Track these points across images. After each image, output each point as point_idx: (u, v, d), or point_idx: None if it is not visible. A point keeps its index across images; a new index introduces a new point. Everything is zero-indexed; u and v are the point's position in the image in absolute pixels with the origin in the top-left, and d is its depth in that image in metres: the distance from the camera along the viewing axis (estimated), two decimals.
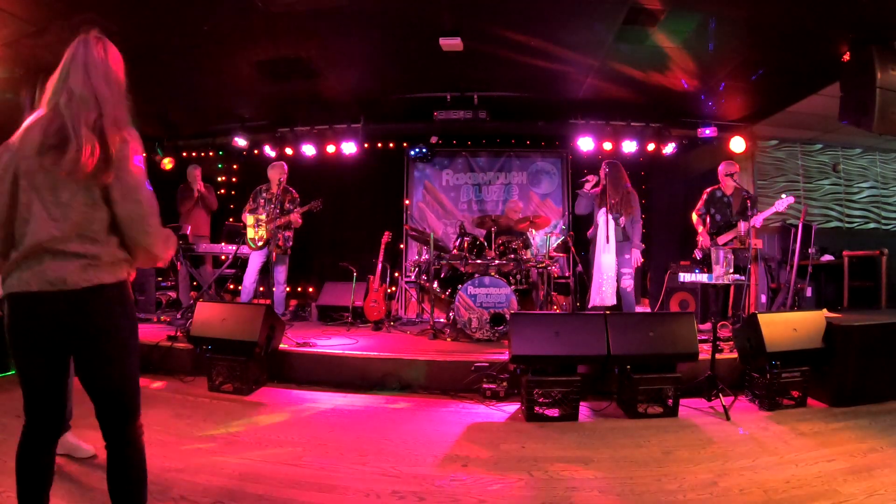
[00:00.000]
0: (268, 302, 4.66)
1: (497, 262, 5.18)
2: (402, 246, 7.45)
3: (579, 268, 5.52)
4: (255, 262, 5.32)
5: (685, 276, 3.92)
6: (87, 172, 1.39)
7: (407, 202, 7.66)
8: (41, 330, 1.43)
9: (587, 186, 4.93)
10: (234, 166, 8.00)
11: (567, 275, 6.24)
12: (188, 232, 5.73)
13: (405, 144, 7.54)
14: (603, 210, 4.74)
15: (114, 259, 1.47)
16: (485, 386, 3.60)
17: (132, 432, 1.53)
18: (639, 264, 4.92)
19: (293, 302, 7.27)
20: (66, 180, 1.40)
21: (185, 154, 7.74)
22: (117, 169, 1.43)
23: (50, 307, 1.41)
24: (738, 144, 6.56)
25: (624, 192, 4.79)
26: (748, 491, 2.20)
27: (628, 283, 4.74)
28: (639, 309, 6.16)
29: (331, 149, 7.05)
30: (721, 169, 5.12)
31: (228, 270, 5.95)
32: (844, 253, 6.22)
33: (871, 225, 7.23)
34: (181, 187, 6.47)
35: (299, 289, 7.55)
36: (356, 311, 5.85)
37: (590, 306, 4.81)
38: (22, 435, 1.49)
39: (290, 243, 5.49)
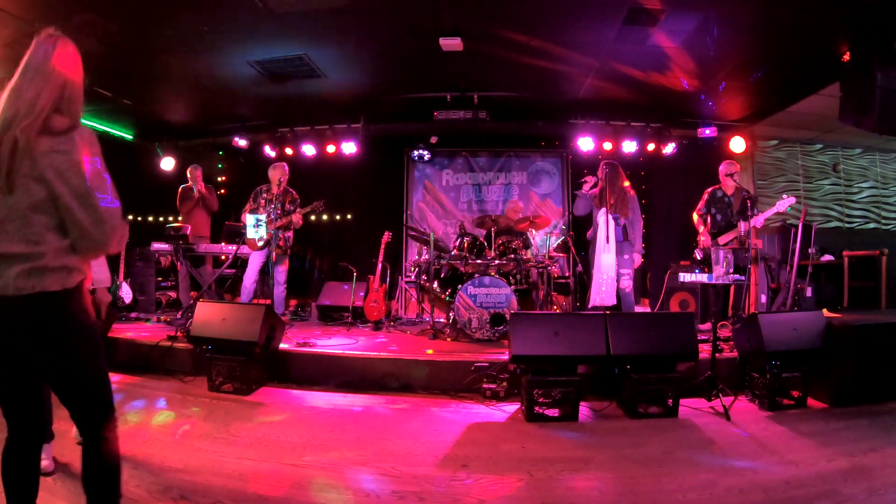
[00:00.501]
0: (268, 302, 4.66)
1: (497, 262, 5.18)
2: (402, 246, 7.44)
3: (579, 268, 5.51)
4: (256, 262, 5.32)
5: (685, 276, 3.92)
6: (7, 173, 1.36)
7: (407, 202, 7.66)
8: None
9: (585, 187, 4.92)
10: (234, 166, 7.99)
11: (567, 275, 6.23)
12: (188, 232, 5.73)
13: (405, 146, 7.54)
14: (603, 210, 4.74)
15: (61, 264, 1.41)
16: (485, 386, 3.60)
17: (103, 431, 1.53)
18: (637, 265, 4.92)
19: (293, 302, 7.27)
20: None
21: (185, 154, 7.73)
22: (43, 166, 1.37)
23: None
24: (738, 144, 6.57)
25: (621, 193, 4.79)
26: (748, 491, 2.20)
27: (627, 283, 4.73)
28: (639, 309, 6.16)
29: (331, 149, 7.04)
30: (721, 169, 5.13)
31: (228, 270, 5.95)
32: (844, 253, 6.22)
33: (871, 225, 7.23)
34: (182, 188, 6.46)
35: (299, 289, 7.53)
36: (356, 311, 5.85)
37: (590, 306, 4.80)
38: (5, 442, 1.49)
39: (291, 243, 5.51)
